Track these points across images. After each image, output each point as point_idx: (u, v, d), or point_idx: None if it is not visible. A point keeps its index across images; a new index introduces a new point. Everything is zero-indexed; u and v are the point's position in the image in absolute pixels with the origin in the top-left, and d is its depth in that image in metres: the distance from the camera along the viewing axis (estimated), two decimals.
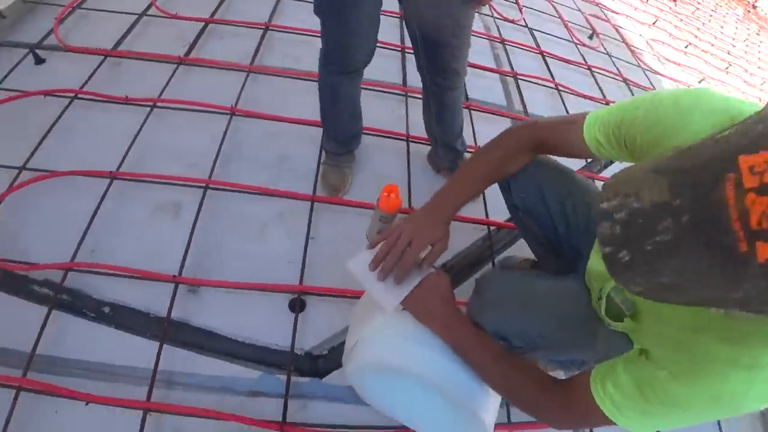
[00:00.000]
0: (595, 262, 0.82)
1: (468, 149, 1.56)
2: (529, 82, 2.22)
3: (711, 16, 5.82)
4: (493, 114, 1.90)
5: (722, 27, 5.60)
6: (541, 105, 2.16)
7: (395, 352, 0.85)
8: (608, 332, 0.76)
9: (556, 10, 3.09)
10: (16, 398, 1.02)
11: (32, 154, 1.41)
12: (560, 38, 2.79)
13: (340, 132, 1.34)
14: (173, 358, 1.11)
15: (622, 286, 0.39)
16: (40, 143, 1.44)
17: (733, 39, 5.33)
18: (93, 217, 1.26)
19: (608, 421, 0.60)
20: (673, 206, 0.34)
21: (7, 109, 1.55)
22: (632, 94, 2.59)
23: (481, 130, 1.79)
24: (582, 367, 1.02)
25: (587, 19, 3.21)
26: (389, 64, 2.03)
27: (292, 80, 1.76)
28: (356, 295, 1.22)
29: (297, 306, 1.19)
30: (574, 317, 0.82)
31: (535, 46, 2.52)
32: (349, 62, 1.13)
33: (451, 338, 0.82)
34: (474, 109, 1.87)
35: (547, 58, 2.44)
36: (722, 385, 0.50)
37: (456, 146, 1.44)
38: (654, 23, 3.92)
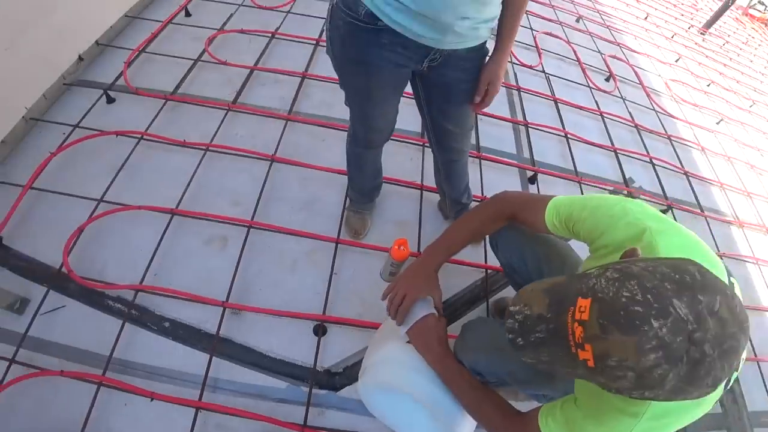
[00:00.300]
0: None
1: (474, 198, 1.77)
2: (540, 130, 2.40)
3: (741, 49, 5.76)
4: (501, 164, 2.10)
5: (751, 61, 5.54)
6: (549, 153, 2.34)
7: (397, 376, 1.10)
8: (563, 379, 0.97)
9: (575, 53, 3.21)
10: (97, 392, 1.30)
11: (108, 188, 1.70)
12: (576, 83, 2.94)
13: (364, 187, 1.59)
14: (219, 367, 1.38)
15: (521, 358, 0.61)
16: (114, 179, 1.73)
17: (762, 74, 5.28)
18: (157, 246, 1.55)
19: None
20: (546, 317, 0.57)
21: (86, 145, 1.86)
22: (642, 140, 2.72)
23: (490, 179, 2.00)
24: (547, 398, 1.23)
25: (605, 61, 3.31)
26: (410, 114, 2.25)
27: (324, 129, 2.02)
28: (369, 325, 1.46)
29: (320, 331, 1.44)
30: None
31: (549, 93, 2.69)
32: (371, 145, 1.38)
33: (441, 370, 1.06)
34: (484, 159, 2.09)
35: (560, 104, 2.62)
36: (615, 425, 0.73)
37: (462, 200, 1.66)
38: (676, 61, 3.97)
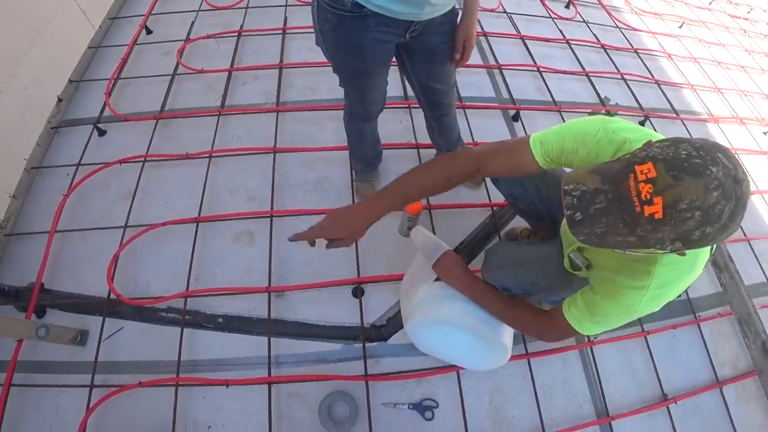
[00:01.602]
0: (563, 231, 1.17)
1: (466, 145, 1.89)
2: (513, 70, 2.50)
3: None
4: (484, 108, 2.21)
5: None
6: (526, 89, 2.44)
7: (436, 310, 1.25)
8: (580, 280, 1.12)
9: None
10: (176, 392, 1.44)
11: (129, 213, 1.80)
12: (538, 16, 3.01)
13: (366, 157, 1.71)
14: (278, 345, 1.52)
15: (574, 235, 0.70)
16: (132, 204, 1.82)
17: None
18: (192, 254, 1.66)
19: (576, 332, 0.98)
20: (603, 189, 0.67)
21: (94, 180, 1.94)
22: (610, 59, 2.81)
23: (476, 125, 2.11)
24: None
25: None
26: (392, 81, 2.34)
27: (313, 112, 2.11)
28: (399, 278, 1.59)
29: (359, 293, 1.58)
30: (554, 270, 1.19)
31: (515, 32, 2.77)
32: (370, 116, 1.49)
33: (471, 293, 1.21)
34: (468, 108, 2.19)
35: (527, 41, 2.70)
36: (626, 300, 0.87)
37: (457, 149, 1.78)
38: None
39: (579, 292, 0.99)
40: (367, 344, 1.52)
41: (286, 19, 2.58)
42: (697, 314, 1.83)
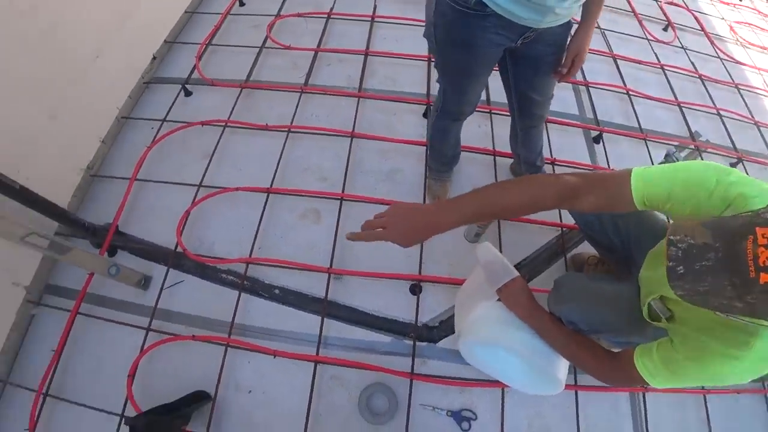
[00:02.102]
0: (645, 275, 1.10)
1: (545, 161, 1.83)
2: (601, 89, 2.39)
3: None
4: (566, 125, 2.13)
5: None
6: (612, 111, 2.33)
7: (493, 332, 1.21)
8: (654, 327, 1.05)
9: (629, 3, 3.08)
10: (225, 352, 1.49)
11: (204, 174, 1.87)
12: (633, 36, 2.86)
13: (445, 156, 1.69)
14: (328, 326, 1.54)
15: (672, 288, 0.65)
16: (208, 165, 1.89)
17: None
18: (259, 223, 1.70)
19: (644, 382, 0.91)
20: (714, 246, 0.61)
21: (176, 136, 2.03)
22: (707, 91, 2.63)
23: (556, 141, 2.04)
24: (633, 346, 1.32)
25: (662, 9, 3.15)
26: None
27: (393, 103, 2.11)
28: (459, 283, 1.56)
29: (417, 290, 1.57)
30: (628, 312, 1.13)
31: (606, 50, 2.65)
32: (460, 116, 1.47)
33: (533, 322, 1.16)
34: (549, 122, 2.11)
35: (618, 60, 2.58)
36: (716, 368, 0.80)
37: (536, 163, 1.74)
38: (741, 0, 3.68)
39: (656, 343, 0.92)
40: (417, 343, 1.51)
41: (375, 7, 2.59)
42: (765, 383, 1.69)
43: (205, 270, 1.67)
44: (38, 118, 1.64)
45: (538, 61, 1.25)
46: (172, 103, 2.17)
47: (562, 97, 2.33)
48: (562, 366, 1.21)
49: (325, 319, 1.53)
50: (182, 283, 1.66)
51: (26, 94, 1.57)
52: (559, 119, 2.17)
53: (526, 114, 1.48)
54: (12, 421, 1.47)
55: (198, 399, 1.41)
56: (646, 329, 1.08)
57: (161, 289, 1.62)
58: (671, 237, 0.65)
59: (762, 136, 2.52)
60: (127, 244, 1.76)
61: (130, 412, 1.41)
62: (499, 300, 1.23)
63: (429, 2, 1.14)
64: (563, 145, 2.07)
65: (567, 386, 1.44)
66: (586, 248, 1.77)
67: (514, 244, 1.74)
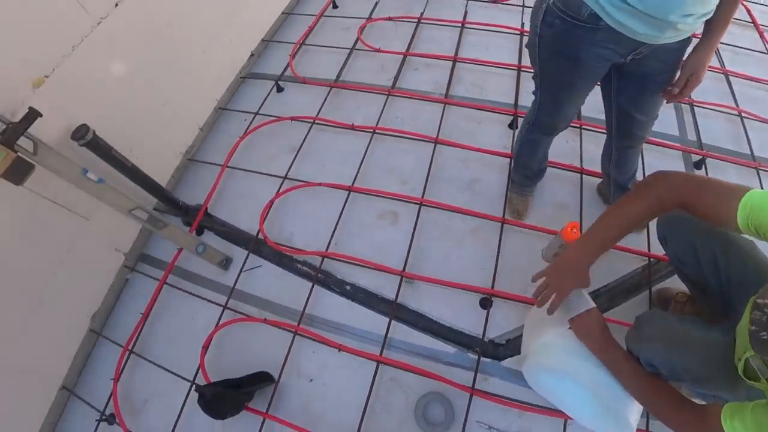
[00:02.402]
0: (745, 326, 0.98)
1: None
2: (707, 109, 2.18)
3: None
4: (663, 147, 1.97)
5: None
6: (719, 134, 2.11)
7: (562, 361, 1.15)
8: (750, 386, 0.93)
9: (749, 13, 2.76)
10: (293, 339, 1.55)
11: (290, 166, 1.96)
12: (751, 50, 2.57)
13: (531, 170, 1.63)
14: (394, 328, 1.55)
15: (758, 354, 0.60)
16: (294, 158, 1.99)
17: None
18: (338, 219, 1.76)
19: None
20: None
21: (266, 129, 2.15)
22: None
23: (651, 164, 1.88)
24: (718, 400, 1.18)
25: None
26: None
27: (479, 111, 2.07)
28: (532, 302, 1.51)
29: (488, 304, 1.53)
30: (718, 364, 0.99)
31: (718, 65, 2.41)
32: (553, 131, 1.41)
33: (606, 357, 1.09)
34: (645, 143, 1.96)
35: (731, 77, 2.34)
36: None
37: (627, 186, 1.62)
38: None
39: (750, 405, 0.80)
40: (481, 358, 1.47)
41: (466, 13, 2.57)
42: None
43: (282, 258, 1.76)
44: (154, 104, 1.81)
45: (647, 78, 1.16)
46: (265, 98, 2.30)
47: (661, 116, 2.14)
48: (635, 409, 1.12)
49: (392, 321, 1.54)
50: (260, 268, 1.76)
51: (147, 82, 1.74)
52: (657, 140, 2.01)
53: (625, 134, 1.39)
54: (100, 369, 1.67)
55: (263, 379, 1.48)
56: (738, 386, 0.95)
57: (240, 270, 1.73)
58: (758, 300, 0.62)
59: None
60: (213, 226, 1.90)
61: (200, 381, 1.52)
62: (570, 329, 1.16)
63: (536, 12, 1.10)
64: (659, 169, 1.90)
65: (638, 430, 1.34)
66: (675, 283, 1.63)
67: (593, 269, 1.61)
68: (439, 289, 1.60)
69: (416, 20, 2.56)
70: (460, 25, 2.50)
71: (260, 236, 1.80)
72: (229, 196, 1.99)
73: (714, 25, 1.08)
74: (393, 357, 1.50)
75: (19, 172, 1.17)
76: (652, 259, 1.67)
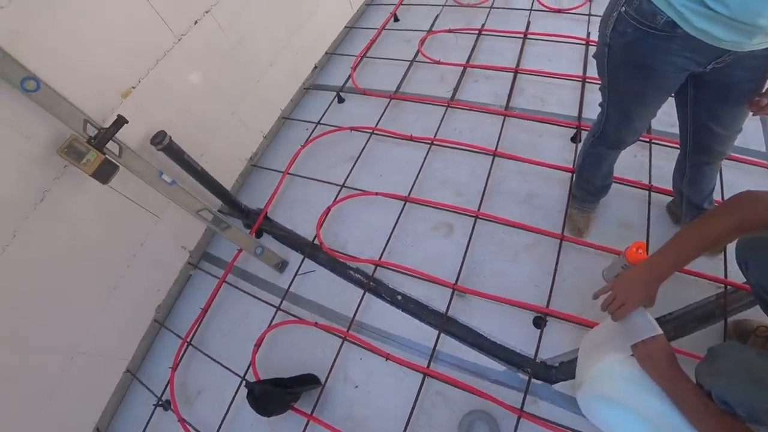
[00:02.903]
0: None
1: (715, 203, 1.57)
2: None
3: None
4: (748, 164, 1.81)
5: None
6: None
7: (621, 390, 1.07)
8: None
9: None
10: (342, 344, 1.57)
11: (348, 175, 2.01)
12: None
13: (594, 186, 1.55)
14: (442, 342, 1.53)
15: None
16: (352, 168, 2.03)
17: None
18: (393, 228, 1.78)
19: None
20: None
21: (326, 139, 2.22)
22: None
23: (732, 182, 1.73)
24: None
25: None
26: None
27: (540, 124, 2.02)
28: (589, 324, 1.43)
29: (542, 323, 1.47)
30: None
31: None
32: (620, 145, 1.34)
33: (672, 390, 1.00)
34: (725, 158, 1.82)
35: None
36: None
37: (703, 206, 1.49)
38: None
39: None
40: (532, 379, 1.41)
41: (528, 23, 2.52)
42: None
43: (336, 264, 1.80)
44: (224, 112, 1.94)
45: (730, 88, 1.07)
46: (327, 108, 2.39)
47: (745, 130, 1.97)
48: None
49: (441, 334, 1.52)
50: (314, 272, 1.81)
51: (219, 93, 1.87)
52: (740, 156, 1.85)
53: (703, 149, 1.29)
54: (160, 357, 1.79)
55: (310, 381, 1.52)
56: None
57: (295, 274, 1.79)
58: None
59: None
60: (272, 230, 1.98)
61: (250, 377, 1.59)
62: (632, 356, 1.09)
63: (605, 20, 1.05)
64: (740, 188, 1.73)
65: None
66: (756, 315, 1.48)
67: (661, 294, 1.50)
68: (491, 305, 1.56)
69: (477, 32, 2.55)
70: (522, 35, 2.46)
71: (316, 242, 1.85)
72: (289, 202, 2.07)
73: None
74: (440, 370, 1.48)
75: (105, 172, 1.31)
76: (729, 287, 1.53)
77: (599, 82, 1.22)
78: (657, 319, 1.25)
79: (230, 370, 1.62)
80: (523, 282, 1.57)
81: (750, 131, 2.00)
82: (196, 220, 1.61)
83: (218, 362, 1.65)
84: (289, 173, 2.13)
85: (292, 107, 2.49)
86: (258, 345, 1.64)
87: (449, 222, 1.79)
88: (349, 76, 2.49)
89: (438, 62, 2.41)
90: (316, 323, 1.64)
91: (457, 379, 1.44)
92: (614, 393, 1.08)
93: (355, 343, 1.58)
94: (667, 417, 1.01)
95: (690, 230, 0.99)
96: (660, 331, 1.06)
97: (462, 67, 2.34)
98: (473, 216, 1.74)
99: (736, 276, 1.50)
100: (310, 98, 2.53)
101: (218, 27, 1.77)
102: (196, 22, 1.67)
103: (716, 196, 1.65)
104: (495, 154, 1.89)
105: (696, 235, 0.97)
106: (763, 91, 1.06)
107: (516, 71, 2.24)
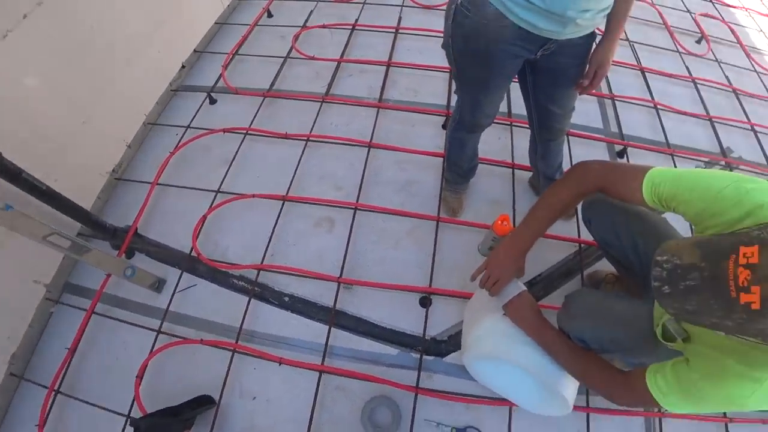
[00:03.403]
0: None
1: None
2: (627, 102, 2.31)
3: None
4: (589, 139, 2.06)
5: None
6: (638, 126, 2.25)
7: (499, 347, 1.18)
8: (666, 347, 0.99)
9: (661, 15, 3.00)
10: (232, 357, 1.49)
11: (223, 180, 1.90)
12: (663, 48, 2.77)
13: (461, 168, 1.66)
14: (335, 336, 1.52)
15: (663, 307, 0.64)
16: (227, 172, 1.93)
17: None
18: (273, 230, 1.72)
19: (655, 403, 0.86)
20: (700, 266, 0.60)
21: (198, 143, 2.08)
22: (742, 106, 2.52)
23: (577, 155, 1.98)
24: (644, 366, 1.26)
25: (696, 21, 3.05)
26: None
27: (413, 114, 2.10)
28: (470, 296, 1.52)
29: (428, 302, 1.54)
30: (640, 332, 1.07)
31: (635, 62, 2.57)
32: (477, 128, 1.45)
33: (541, 338, 1.12)
34: (571, 135, 2.06)
35: (647, 73, 2.49)
36: (734, 390, 0.74)
37: (555, 177, 1.68)
38: None
39: (670, 362, 0.87)
40: (424, 357, 1.47)
41: (400, 18, 2.61)
42: None
43: (217, 275, 1.69)
44: (72, 122, 1.71)
45: (559, 72, 1.22)
46: (197, 111, 2.23)
47: (585, 110, 2.27)
48: (571, 385, 1.16)
49: (332, 328, 1.51)
50: (194, 287, 1.68)
51: (64, 97, 1.64)
52: (582, 132, 2.11)
53: (546, 127, 1.44)
54: (24, 416, 1.51)
55: (203, 403, 1.41)
56: (658, 350, 1.02)
57: (173, 292, 1.65)
58: (657, 257, 0.65)
59: None
60: (144, 247, 1.80)
61: (137, 413, 1.42)
62: (505, 315, 1.19)
63: (448, 12, 1.12)
64: (585, 159, 1.99)
65: (578, 408, 1.39)
66: (604, 265, 1.70)
67: (530, 259, 1.65)
68: (378, 293, 1.59)
69: (351, 27, 2.57)
70: (394, 30, 2.54)
71: (194, 254, 1.72)
72: (161, 215, 1.90)
73: (613, 20, 1.15)
74: (336, 365, 1.47)
75: None
76: (582, 245, 1.74)
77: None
78: (527, 282, 1.40)
79: (112, 411, 1.43)
80: (406, 266, 1.63)
81: (591, 112, 2.29)
82: (48, 247, 1.40)
83: (97, 405, 1.45)
84: (158, 183, 1.94)
85: (158, 111, 2.28)
86: (140, 376, 1.48)
87: (330, 217, 1.78)
88: (221, 76, 2.35)
89: (313, 58, 2.38)
90: (202, 340, 1.53)
91: (353, 370, 1.44)
92: (493, 350, 1.18)
93: (246, 354, 1.50)
94: (539, 362, 1.13)
95: (541, 203, 1.10)
96: (523, 288, 1.17)
97: (336, 62, 2.34)
98: (353, 208, 1.76)
99: (588, 235, 1.71)
100: (179, 100, 2.35)
101: (57, 20, 1.54)
102: (25, 16, 1.44)
103: (566, 167, 1.86)
104: (371, 146, 1.92)
105: (546, 206, 1.09)
106: (585, 74, 1.22)
107: (389, 65, 2.30)
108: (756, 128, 2.40)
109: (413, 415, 1.38)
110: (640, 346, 1.09)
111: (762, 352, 0.71)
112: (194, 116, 2.20)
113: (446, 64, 1.54)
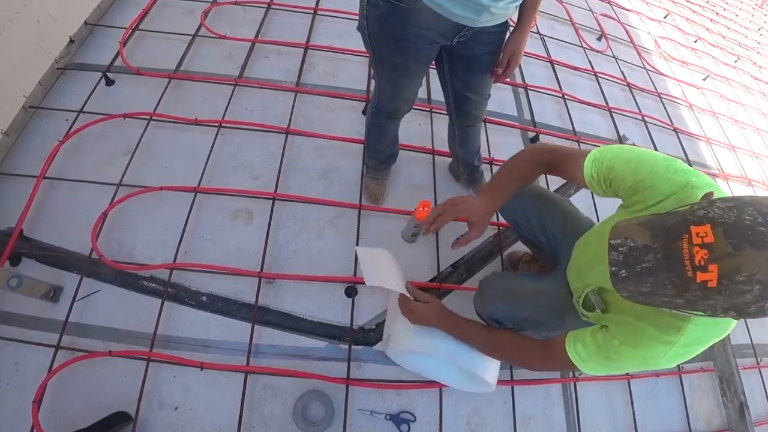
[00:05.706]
0: (575, 267, 1.13)
1: (483, 161, 1.84)
2: (539, 92, 2.46)
3: (727, 2, 5.69)
4: (504, 125, 2.16)
5: (737, 15, 5.52)
6: (548, 114, 2.40)
7: (417, 342, 1.22)
8: (573, 318, 1.09)
9: (568, 13, 3.21)
10: (147, 367, 1.37)
11: (125, 171, 1.71)
12: (570, 43, 2.97)
13: (382, 154, 1.65)
14: (260, 333, 1.46)
15: (618, 291, 0.66)
16: (129, 162, 1.74)
17: (747, 29, 5.28)
18: (185, 225, 1.59)
19: (575, 367, 0.93)
20: (653, 247, 0.62)
21: (93, 130, 1.85)
22: (634, 99, 2.80)
23: (494, 141, 2.06)
24: None
25: (597, 20, 3.32)
26: None
27: (332, 99, 2.04)
28: None
29: (354, 292, 1.53)
30: (549, 307, 1.17)
31: (545, 55, 2.73)
32: (396, 114, 1.44)
33: (451, 330, 1.18)
34: (488, 122, 2.14)
35: (556, 66, 2.67)
36: (649, 352, 0.83)
37: (474, 162, 1.74)
38: (665, 17, 3.97)
39: (587, 331, 0.94)
40: (353, 347, 1.46)
41: (318, 1, 2.51)
42: (680, 366, 1.81)
43: (125, 277, 1.53)
44: None
45: (474, 60, 1.24)
46: (91, 93, 1.96)
47: (501, 98, 2.37)
48: (492, 366, 1.24)
49: (255, 326, 1.44)
50: (98, 293, 1.51)
51: None
52: (498, 119, 2.20)
53: (463, 114, 1.47)
54: None
55: (117, 421, 1.28)
56: (566, 321, 1.13)
57: (72, 300, 1.46)
58: (612, 241, 0.66)
59: (680, 142, 2.73)
60: (32, 251, 1.57)
61: None
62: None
63: None
64: (502, 145, 2.10)
65: (502, 382, 1.48)
66: (521, 247, 1.81)
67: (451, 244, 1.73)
68: (302, 285, 1.54)
69: (266, 5, 2.42)
70: (312, 11, 2.44)
71: (94, 256, 1.54)
72: (53, 213, 1.66)
73: (524, 11, 1.19)
74: (263, 364, 1.41)
75: None
76: (501, 228, 1.83)
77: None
78: (451, 265, 1.45)
79: None
80: (329, 256, 1.60)
81: (506, 100, 2.40)
82: None
83: None
84: (46, 177, 1.69)
85: (42, 93, 1.97)
86: (37, 401, 1.28)
87: (248, 208, 1.69)
88: (118, 53, 2.10)
89: (224, 37, 2.21)
90: (110, 352, 1.37)
91: (281, 367, 1.39)
92: (412, 346, 1.22)
93: (163, 361, 1.38)
94: (457, 351, 1.19)
95: (503, 175, 1.15)
96: (401, 290, 1.23)
97: (251, 43, 2.20)
98: (271, 198, 1.68)
99: None
100: (68, 81, 2.05)
101: None
102: None
103: (484, 153, 1.93)
104: (288, 132, 1.84)
105: (508, 177, 1.14)
106: (499, 62, 1.25)
107: (307, 47, 2.21)
108: (646, 119, 2.71)
109: (346, 407, 1.37)
110: (549, 320, 1.18)
111: (673, 317, 0.79)
112: (87, 99, 1.94)
113: (365, 48, 1.51)
